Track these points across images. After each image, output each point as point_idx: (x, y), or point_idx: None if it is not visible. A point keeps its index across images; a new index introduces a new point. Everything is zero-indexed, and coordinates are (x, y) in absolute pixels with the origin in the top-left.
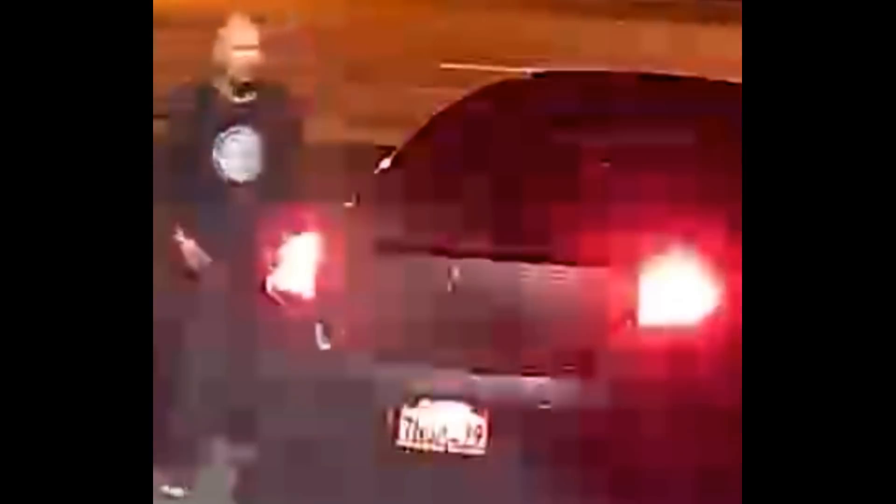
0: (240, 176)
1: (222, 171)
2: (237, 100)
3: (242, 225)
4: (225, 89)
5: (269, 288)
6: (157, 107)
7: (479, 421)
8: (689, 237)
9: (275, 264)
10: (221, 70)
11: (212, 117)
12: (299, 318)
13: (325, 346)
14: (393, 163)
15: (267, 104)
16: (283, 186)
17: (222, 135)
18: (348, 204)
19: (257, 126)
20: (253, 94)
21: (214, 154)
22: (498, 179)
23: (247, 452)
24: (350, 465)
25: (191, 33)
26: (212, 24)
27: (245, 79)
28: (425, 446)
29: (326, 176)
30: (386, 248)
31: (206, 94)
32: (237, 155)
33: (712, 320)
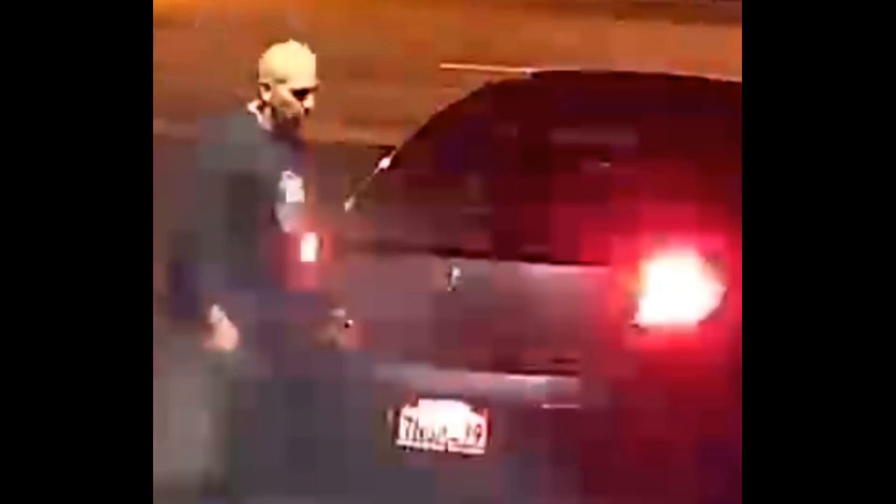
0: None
1: (280, 216)
2: (270, 129)
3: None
4: (264, 119)
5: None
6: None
7: (479, 421)
8: (689, 237)
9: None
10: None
11: (266, 156)
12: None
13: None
14: (393, 163)
15: (292, 142)
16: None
17: (280, 179)
18: (348, 204)
19: (298, 168)
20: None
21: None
22: (498, 179)
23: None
24: (350, 464)
25: (191, 33)
26: (212, 25)
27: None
28: (425, 446)
29: (326, 176)
30: (386, 247)
31: (250, 127)
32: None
33: (712, 320)
